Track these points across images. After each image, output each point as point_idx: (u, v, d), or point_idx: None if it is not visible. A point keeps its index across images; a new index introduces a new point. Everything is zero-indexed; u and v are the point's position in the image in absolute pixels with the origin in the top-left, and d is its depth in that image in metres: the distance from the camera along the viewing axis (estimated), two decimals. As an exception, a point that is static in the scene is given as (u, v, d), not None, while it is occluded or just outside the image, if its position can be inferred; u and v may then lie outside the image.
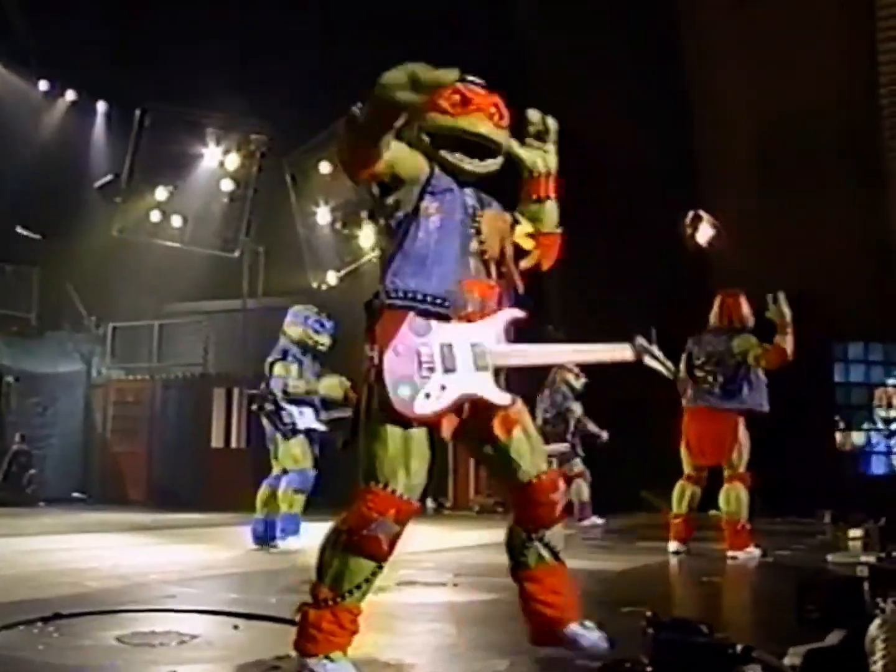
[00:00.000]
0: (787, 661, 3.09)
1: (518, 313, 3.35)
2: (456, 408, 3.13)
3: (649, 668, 2.76)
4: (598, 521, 11.04)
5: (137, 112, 15.21)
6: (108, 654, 3.47)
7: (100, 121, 16.75)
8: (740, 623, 4.38)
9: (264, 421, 7.94)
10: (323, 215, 16.02)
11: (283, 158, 15.98)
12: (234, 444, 15.16)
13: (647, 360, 3.64)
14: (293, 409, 7.69)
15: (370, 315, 3.18)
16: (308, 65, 14.40)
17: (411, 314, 3.10)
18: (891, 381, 14.46)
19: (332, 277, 16.03)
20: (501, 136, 3.36)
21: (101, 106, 16.69)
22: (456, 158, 3.27)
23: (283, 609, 4.27)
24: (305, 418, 7.72)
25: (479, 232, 3.25)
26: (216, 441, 15.10)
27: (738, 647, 3.04)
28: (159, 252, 15.67)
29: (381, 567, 3.12)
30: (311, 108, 14.52)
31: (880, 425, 14.41)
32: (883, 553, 5.98)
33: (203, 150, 15.71)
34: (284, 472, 7.75)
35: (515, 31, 14.70)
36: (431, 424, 3.11)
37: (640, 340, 3.59)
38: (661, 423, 14.27)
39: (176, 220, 15.78)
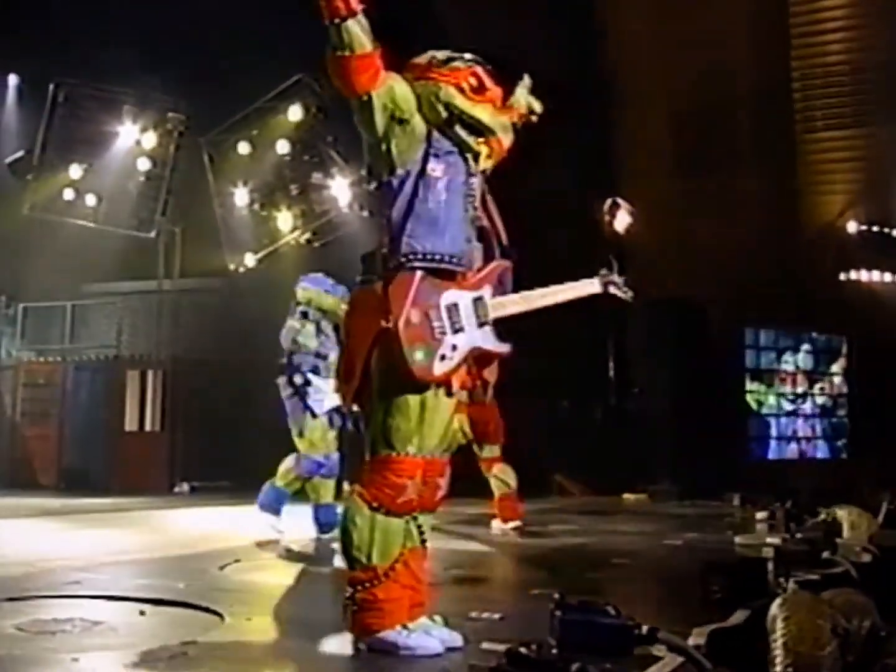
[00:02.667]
0: (691, 641, 3.13)
1: (507, 263, 3.74)
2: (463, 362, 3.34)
3: (556, 650, 2.76)
4: None
5: (51, 87, 14.77)
6: (6, 642, 3.37)
7: (11, 95, 16.20)
8: (648, 604, 4.44)
9: (289, 398, 7.46)
10: (241, 196, 15.77)
11: (201, 138, 15.70)
12: (148, 428, 14.87)
13: (612, 289, 4.22)
14: (322, 383, 7.21)
15: (383, 277, 3.27)
16: (227, 43, 14.15)
17: (419, 276, 3.23)
18: (789, 366, 14.82)
19: (249, 259, 15.80)
20: (497, 125, 3.61)
21: (12, 79, 16.14)
22: (465, 134, 3.47)
23: (192, 594, 4.22)
24: (334, 397, 6.84)
25: (473, 198, 3.54)
26: (130, 424, 14.79)
27: (644, 628, 3.07)
28: (73, 231, 15.27)
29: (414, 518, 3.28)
30: (230, 88, 14.29)
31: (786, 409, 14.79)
32: (787, 535, 6.13)
33: (119, 127, 15.30)
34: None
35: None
36: (445, 383, 3.28)
37: (604, 272, 3.80)
38: (572, 404, 14.52)
39: (90, 199, 15.36)
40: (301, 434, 7.30)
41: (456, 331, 3.27)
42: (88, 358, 15.52)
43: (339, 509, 6.69)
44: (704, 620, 3.41)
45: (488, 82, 3.55)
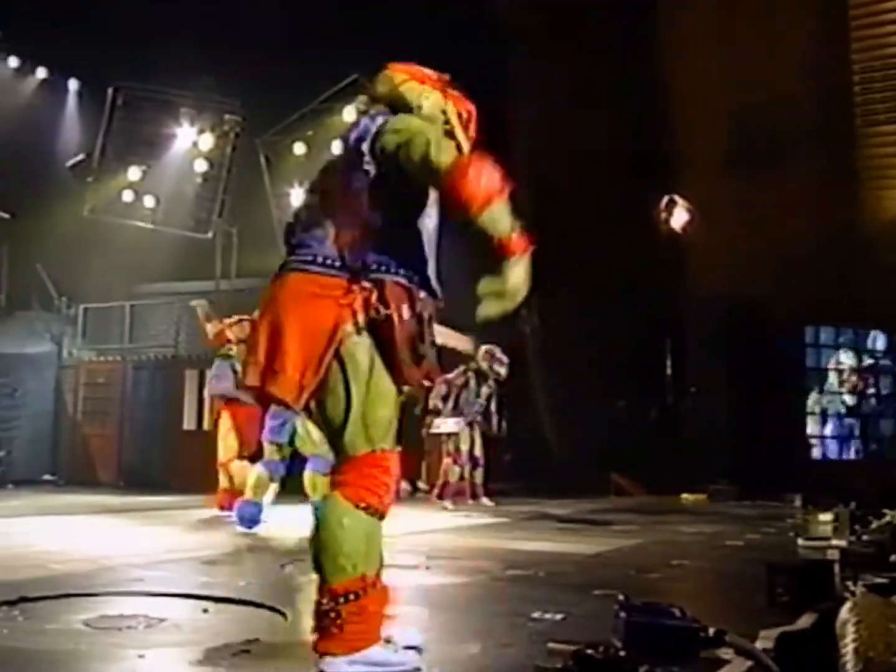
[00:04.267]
0: (758, 644, 3.08)
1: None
2: None
3: (622, 652, 2.73)
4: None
5: (110, 91, 15.02)
6: (75, 638, 3.41)
7: (71, 99, 16.51)
8: (711, 606, 4.38)
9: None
10: (297, 196, 15.88)
11: (257, 139, 15.85)
12: (205, 427, 15.03)
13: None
14: None
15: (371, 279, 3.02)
16: (283, 45, 14.26)
17: (413, 287, 3.06)
18: (850, 364, 14.57)
19: (305, 260, 15.91)
20: None
21: (72, 84, 16.45)
22: None
23: (254, 592, 4.24)
24: None
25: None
26: (188, 423, 14.97)
27: (711, 631, 3.03)
28: (131, 232, 15.51)
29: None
30: (286, 89, 14.41)
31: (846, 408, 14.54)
32: (852, 537, 6.02)
33: (177, 129, 15.54)
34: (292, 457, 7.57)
35: (487, 18, 14.64)
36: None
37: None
38: (629, 404, 14.42)
39: (148, 201, 15.61)
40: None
41: (432, 339, 3.13)
42: (147, 357, 15.72)
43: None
44: (770, 623, 3.36)
45: (470, 122, 3.37)
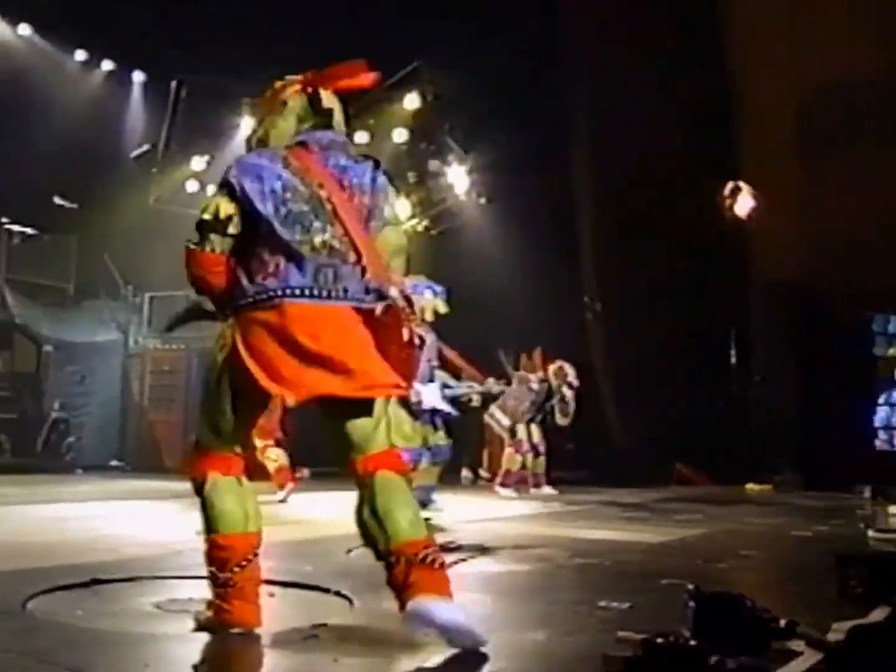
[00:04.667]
0: (830, 637, 3.03)
1: None
2: None
3: (692, 642, 2.70)
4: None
5: (174, 82, 15.18)
6: (146, 619, 3.48)
7: (136, 91, 16.74)
8: (780, 597, 4.31)
9: None
10: (358, 185, 15.98)
11: (319, 128, 15.93)
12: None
13: None
14: (418, 385, 7.06)
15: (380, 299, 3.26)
16: (342, 33, 14.30)
17: None
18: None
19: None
20: None
21: (137, 76, 16.68)
22: None
23: (320, 578, 4.28)
24: (430, 396, 7.26)
25: None
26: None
27: (782, 622, 2.99)
28: (195, 222, 15.70)
29: None
30: (346, 78, 14.44)
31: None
32: (925, 529, 5.90)
33: (239, 120, 15.66)
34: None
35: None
36: None
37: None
38: (694, 394, 14.25)
39: (212, 190, 15.78)
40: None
41: None
42: (211, 345, 15.90)
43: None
44: (842, 616, 3.30)
45: None
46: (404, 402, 6.98)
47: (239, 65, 14.54)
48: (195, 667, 2.86)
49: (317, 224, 3.17)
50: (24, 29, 15.27)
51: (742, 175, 13.86)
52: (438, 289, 7.56)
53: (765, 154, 13.92)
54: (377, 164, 3.42)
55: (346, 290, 3.17)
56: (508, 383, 11.03)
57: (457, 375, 8.64)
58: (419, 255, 15.91)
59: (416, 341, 3.26)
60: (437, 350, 7.84)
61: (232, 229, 3.21)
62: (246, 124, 15.52)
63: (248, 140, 3.55)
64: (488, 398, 10.73)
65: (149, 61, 16.02)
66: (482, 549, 5.59)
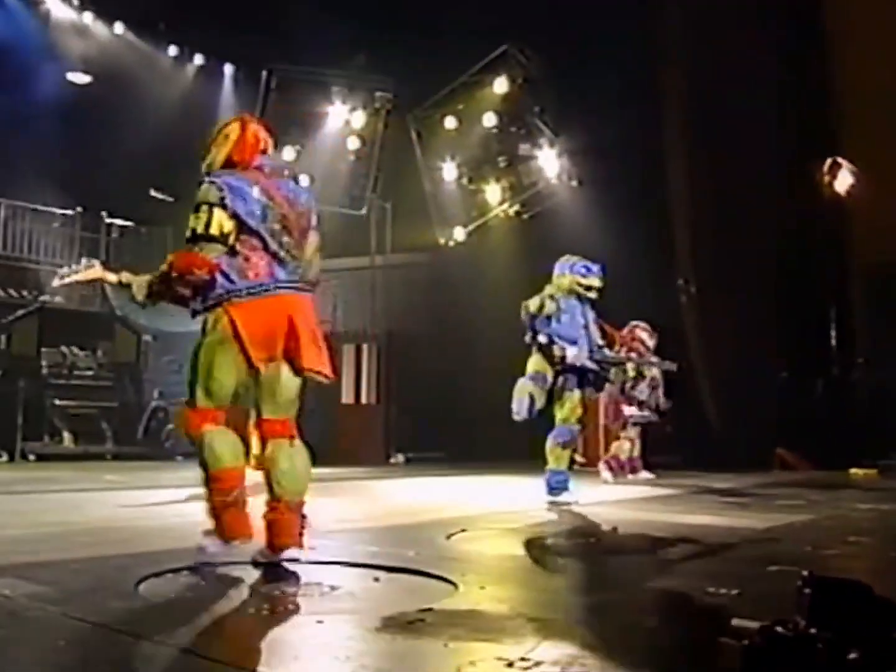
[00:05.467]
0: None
1: None
2: None
3: (811, 630, 2.62)
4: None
5: (263, 73, 15.38)
6: (256, 603, 3.52)
7: (227, 83, 17.01)
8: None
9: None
10: (449, 171, 15.97)
11: (409, 115, 15.96)
12: (363, 401, 15.34)
13: None
14: (566, 345, 7.57)
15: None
16: (431, 20, 14.29)
17: None
18: None
19: (459, 233, 16.00)
20: None
21: (227, 69, 16.94)
22: None
23: (423, 562, 4.28)
24: (580, 353, 7.60)
25: None
26: (346, 397, 15.30)
27: (905, 610, 2.88)
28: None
29: None
30: (435, 64, 14.45)
31: None
32: None
33: (329, 108, 15.81)
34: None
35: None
36: None
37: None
38: (793, 376, 13.93)
39: (304, 179, 15.93)
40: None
41: None
42: (305, 333, 16.08)
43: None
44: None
45: None
46: (548, 356, 7.37)
47: (327, 53, 14.67)
48: (304, 650, 2.88)
49: (285, 238, 4.25)
50: (119, 27, 15.62)
51: (843, 152, 13.49)
52: (595, 267, 7.89)
53: (867, 130, 13.48)
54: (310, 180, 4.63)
55: (305, 283, 4.35)
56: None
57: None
58: (510, 239, 15.94)
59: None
60: (600, 326, 8.14)
61: (230, 241, 4.18)
62: (336, 112, 15.64)
63: (203, 163, 4.54)
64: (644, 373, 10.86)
65: (239, 53, 16.25)
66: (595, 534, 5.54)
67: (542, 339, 7.60)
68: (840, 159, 13.60)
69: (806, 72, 13.64)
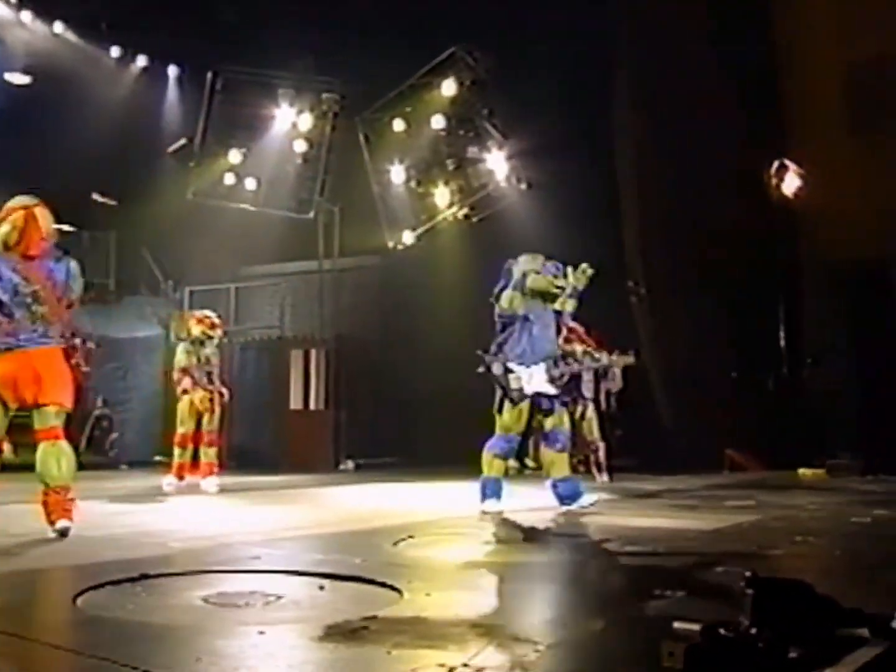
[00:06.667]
0: (894, 625, 2.96)
1: None
2: None
3: (753, 630, 2.65)
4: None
5: (209, 75, 15.26)
6: (195, 613, 3.49)
7: (171, 85, 16.85)
8: (842, 584, 4.23)
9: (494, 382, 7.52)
10: (397, 174, 15.96)
11: (356, 117, 15.93)
12: (312, 406, 15.29)
13: None
14: (522, 371, 7.27)
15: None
16: (380, 21, 14.29)
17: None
18: None
19: (408, 237, 16.00)
20: None
21: (172, 70, 16.78)
22: None
23: (369, 570, 4.27)
24: (535, 381, 7.29)
25: None
26: (295, 403, 15.24)
27: (847, 609, 2.93)
28: (234, 215, 15.79)
29: None
30: (383, 66, 14.43)
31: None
32: None
33: (275, 111, 15.71)
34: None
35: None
36: None
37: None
38: (742, 375, 14.09)
39: (250, 183, 15.86)
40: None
41: None
42: (253, 339, 16.02)
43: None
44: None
45: None
46: (503, 388, 7.11)
47: (274, 54, 14.59)
48: (245, 660, 2.86)
49: (35, 306, 5.53)
50: (59, 27, 15.40)
51: (791, 152, 13.66)
52: (560, 266, 7.57)
53: (815, 129, 13.68)
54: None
55: (50, 337, 5.59)
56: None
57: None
58: (459, 242, 15.96)
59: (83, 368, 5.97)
60: (567, 327, 7.99)
61: None
62: (283, 115, 15.57)
63: None
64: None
65: (183, 55, 16.11)
66: (534, 537, 5.56)
67: (496, 369, 7.28)
68: (787, 162, 13.77)
69: (754, 74, 13.80)
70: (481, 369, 7.40)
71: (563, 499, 7.29)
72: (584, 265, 7.59)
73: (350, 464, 14.56)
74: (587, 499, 7.28)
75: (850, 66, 13.49)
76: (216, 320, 10.57)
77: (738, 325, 13.61)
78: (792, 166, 13.67)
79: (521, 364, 7.27)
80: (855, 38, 13.48)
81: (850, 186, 12.74)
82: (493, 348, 7.40)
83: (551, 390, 7.37)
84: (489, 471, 7.39)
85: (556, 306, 7.55)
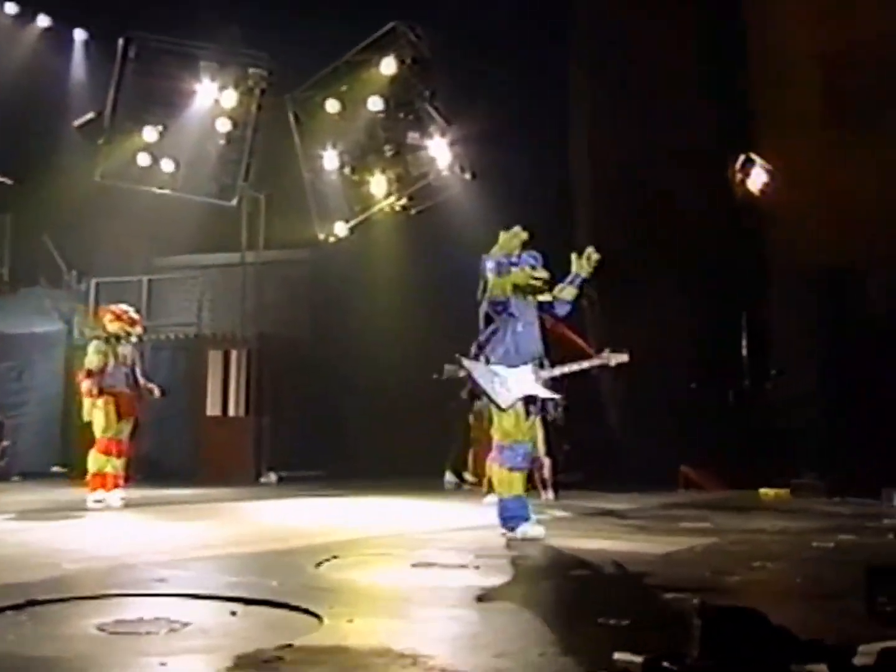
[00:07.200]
0: (857, 660, 3.00)
1: None
2: None
3: (700, 662, 2.68)
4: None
5: (121, 42, 15.02)
6: (89, 644, 3.43)
7: (78, 50, 16.57)
8: (800, 614, 4.29)
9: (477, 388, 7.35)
10: (330, 159, 15.90)
11: (286, 96, 15.84)
12: (231, 412, 15.17)
13: None
14: (508, 372, 7.06)
15: None
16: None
17: None
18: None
19: (340, 228, 15.95)
20: None
21: (78, 34, 16.50)
22: None
23: (287, 593, 4.25)
24: (522, 384, 7.09)
25: None
26: (212, 408, 15.12)
27: (802, 641, 2.97)
28: (148, 200, 15.60)
29: None
30: (316, 40, 14.37)
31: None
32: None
33: (196, 85, 15.52)
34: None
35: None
36: None
37: None
38: (702, 387, 14.23)
39: (166, 165, 15.67)
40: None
41: None
42: (166, 337, 15.86)
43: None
44: (870, 637, 3.27)
45: None
46: (486, 394, 6.97)
47: (196, 22, 14.43)
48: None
49: None
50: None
51: (758, 147, 13.85)
52: (539, 257, 7.38)
53: (784, 123, 13.86)
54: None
55: None
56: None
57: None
58: (397, 236, 15.96)
59: None
60: (548, 327, 7.63)
61: None
62: (204, 90, 15.41)
63: None
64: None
65: (91, 17, 15.84)
66: (468, 560, 5.57)
67: (476, 371, 7.12)
68: (753, 156, 13.95)
69: (723, 61, 13.98)
70: (461, 373, 7.32)
71: (507, 521, 7.06)
72: (589, 249, 7.40)
73: (272, 476, 14.48)
74: (533, 530, 6.96)
75: (824, 57, 13.68)
76: (135, 316, 10.45)
77: (697, 333, 13.75)
78: (759, 161, 13.85)
79: (505, 365, 7.09)
80: (829, 28, 13.68)
81: (821, 187, 12.92)
82: (474, 349, 7.26)
83: (542, 392, 7.16)
84: (509, 490, 7.02)
85: (540, 298, 7.35)
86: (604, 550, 6.31)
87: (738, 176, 13.95)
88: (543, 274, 7.24)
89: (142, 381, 10.17)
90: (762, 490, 12.35)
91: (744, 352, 14.48)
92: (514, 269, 7.19)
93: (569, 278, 7.43)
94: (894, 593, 3.88)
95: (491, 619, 3.99)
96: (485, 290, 7.26)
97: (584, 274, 7.42)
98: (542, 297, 7.33)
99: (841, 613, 4.12)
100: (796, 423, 13.16)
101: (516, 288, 7.14)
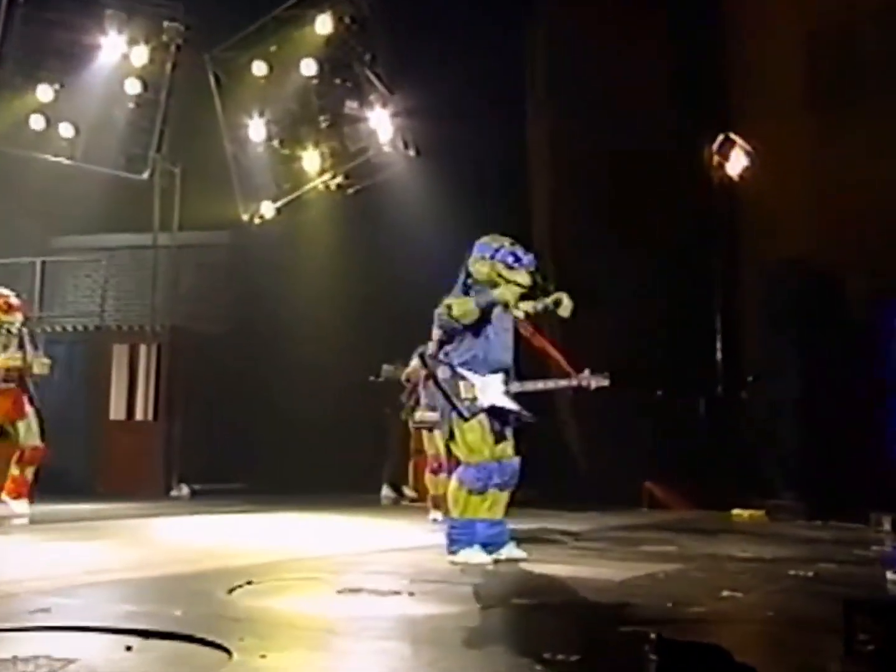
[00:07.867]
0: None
1: None
2: None
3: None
4: None
5: (6, -20, 14.78)
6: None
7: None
8: (771, 652, 4.36)
9: (437, 394, 7.33)
10: (257, 129, 15.84)
11: (206, 54, 15.74)
12: (138, 416, 15.05)
13: None
14: (476, 378, 7.10)
15: None
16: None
17: None
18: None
19: (267, 208, 15.90)
20: None
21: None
22: None
23: (193, 624, 4.23)
24: (490, 394, 7.14)
25: None
26: (116, 412, 14.98)
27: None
28: (43, 169, 15.42)
29: None
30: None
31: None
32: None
33: (101, 38, 15.31)
34: (458, 462, 7.33)
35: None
36: None
37: None
38: (668, 394, 14.34)
39: (65, 129, 15.48)
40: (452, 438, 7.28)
41: None
42: (63, 329, 15.68)
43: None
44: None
45: None
46: (449, 399, 6.96)
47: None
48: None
49: None
50: None
51: (739, 125, 13.98)
52: (526, 257, 7.49)
53: (767, 103, 14.00)
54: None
55: None
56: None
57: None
58: (331, 218, 15.92)
59: None
60: (527, 336, 7.76)
61: None
62: (110, 44, 15.20)
63: None
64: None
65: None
66: (401, 586, 5.58)
67: (441, 373, 7.13)
68: (732, 136, 14.08)
69: (702, 35, 14.11)
70: (437, 374, 7.29)
71: (453, 544, 7.10)
72: (564, 299, 7.81)
73: (184, 489, 14.41)
74: (478, 557, 7.00)
75: (811, 35, 13.84)
76: (14, 301, 10.32)
77: (665, 334, 13.84)
78: (739, 142, 13.99)
79: (469, 370, 7.13)
80: (817, 4, 13.85)
81: (802, 175, 13.08)
82: (432, 348, 7.46)
83: (510, 405, 7.25)
84: (461, 511, 7.11)
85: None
86: (554, 576, 6.36)
87: (716, 158, 14.08)
88: (517, 277, 7.29)
89: (27, 377, 10.05)
90: (735, 511, 12.47)
91: (717, 356, 14.59)
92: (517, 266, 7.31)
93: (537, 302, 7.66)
94: (876, 630, 3.90)
95: (424, 654, 3.99)
96: (468, 286, 7.33)
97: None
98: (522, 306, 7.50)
99: (815, 652, 4.17)
100: (774, 437, 13.27)
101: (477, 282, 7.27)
